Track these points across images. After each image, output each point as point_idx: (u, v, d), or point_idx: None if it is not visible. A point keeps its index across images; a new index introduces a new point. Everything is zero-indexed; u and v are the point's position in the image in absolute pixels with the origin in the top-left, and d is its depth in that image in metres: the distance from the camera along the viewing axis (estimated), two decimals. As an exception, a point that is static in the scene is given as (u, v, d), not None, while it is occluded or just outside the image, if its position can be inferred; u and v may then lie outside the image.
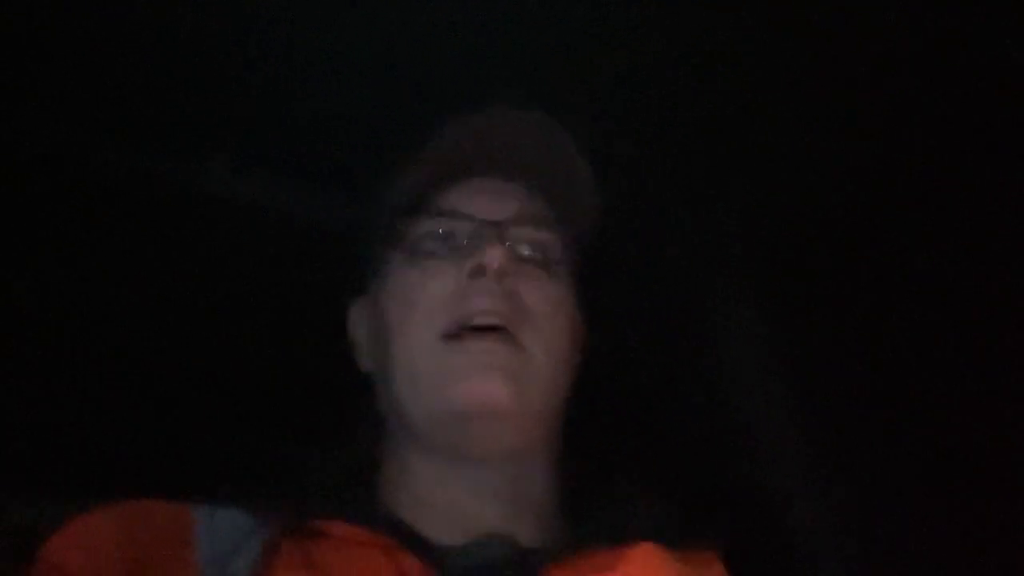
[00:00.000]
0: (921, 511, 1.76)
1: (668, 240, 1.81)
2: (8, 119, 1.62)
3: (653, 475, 1.05)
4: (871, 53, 1.55)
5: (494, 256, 0.99)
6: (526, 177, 1.05)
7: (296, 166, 1.73)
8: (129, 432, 2.05)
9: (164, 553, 0.94)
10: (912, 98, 1.60)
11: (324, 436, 1.07)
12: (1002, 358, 1.69)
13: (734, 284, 1.88)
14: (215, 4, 1.51)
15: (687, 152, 1.71)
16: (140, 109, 1.65)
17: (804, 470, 1.86)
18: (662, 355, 1.91)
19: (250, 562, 0.93)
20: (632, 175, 1.64)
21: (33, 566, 0.94)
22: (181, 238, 1.80)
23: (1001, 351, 1.69)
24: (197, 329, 1.93)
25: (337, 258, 1.15)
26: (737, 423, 1.89)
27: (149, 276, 1.85)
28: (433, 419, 0.99)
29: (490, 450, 0.99)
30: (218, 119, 1.66)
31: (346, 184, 1.61)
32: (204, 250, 1.81)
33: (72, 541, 0.94)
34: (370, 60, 1.55)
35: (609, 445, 1.06)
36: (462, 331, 0.99)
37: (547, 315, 1.02)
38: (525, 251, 1.04)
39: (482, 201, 1.04)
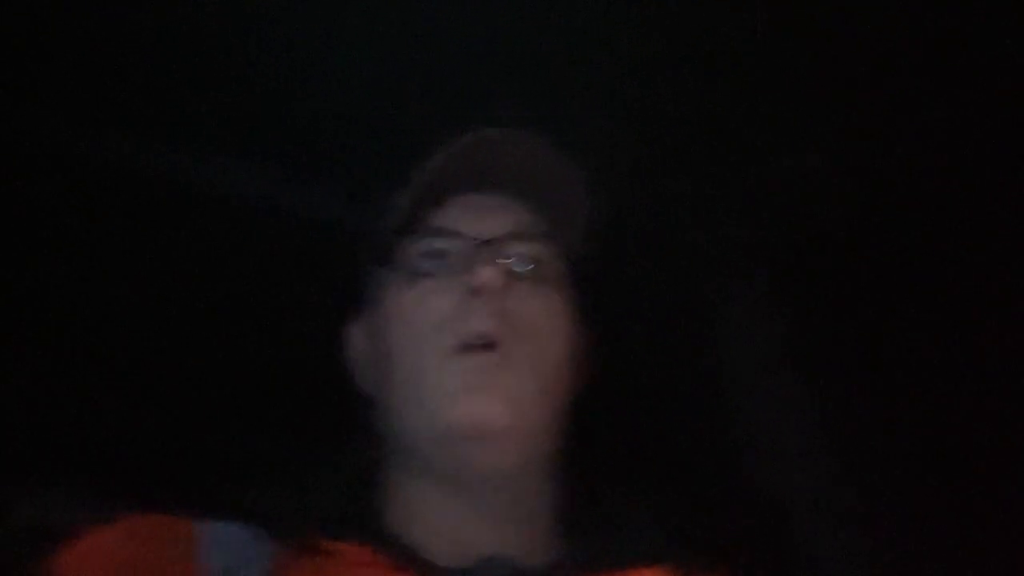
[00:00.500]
0: (925, 511, 1.76)
1: (671, 245, 1.81)
2: (9, 116, 1.62)
3: (656, 488, 1.05)
4: (871, 53, 1.55)
5: (487, 275, 0.99)
6: (516, 191, 1.05)
7: (296, 166, 1.73)
8: (132, 432, 2.05)
9: (171, 570, 0.94)
10: (912, 98, 1.60)
11: (325, 442, 1.07)
12: (1006, 358, 1.69)
13: (736, 286, 1.88)
14: (215, 4, 1.51)
15: (688, 152, 1.71)
16: (141, 108, 1.65)
17: (809, 471, 1.86)
18: (665, 361, 1.90)
19: None
20: (634, 177, 1.64)
21: None
22: (181, 238, 1.80)
23: (1004, 351, 1.69)
24: (197, 329, 1.93)
25: (337, 258, 1.15)
26: (741, 428, 1.89)
27: (149, 276, 1.85)
28: (430, 440, 0.99)
29: (488, 470, 0.99)
30: (218, 119, 1.66)
31: (346, 184, 1.61)
32: (204, 249, 1.81)
33: (81, 559, 0.95)
34: (370, 60, 1.55)
35: (611, 458, 1.06)
36: (457, 351, 0.99)
37: (542, 331, 1.01)
38: (518, 267, 1.04)
39: (474, 219, 1.04)
